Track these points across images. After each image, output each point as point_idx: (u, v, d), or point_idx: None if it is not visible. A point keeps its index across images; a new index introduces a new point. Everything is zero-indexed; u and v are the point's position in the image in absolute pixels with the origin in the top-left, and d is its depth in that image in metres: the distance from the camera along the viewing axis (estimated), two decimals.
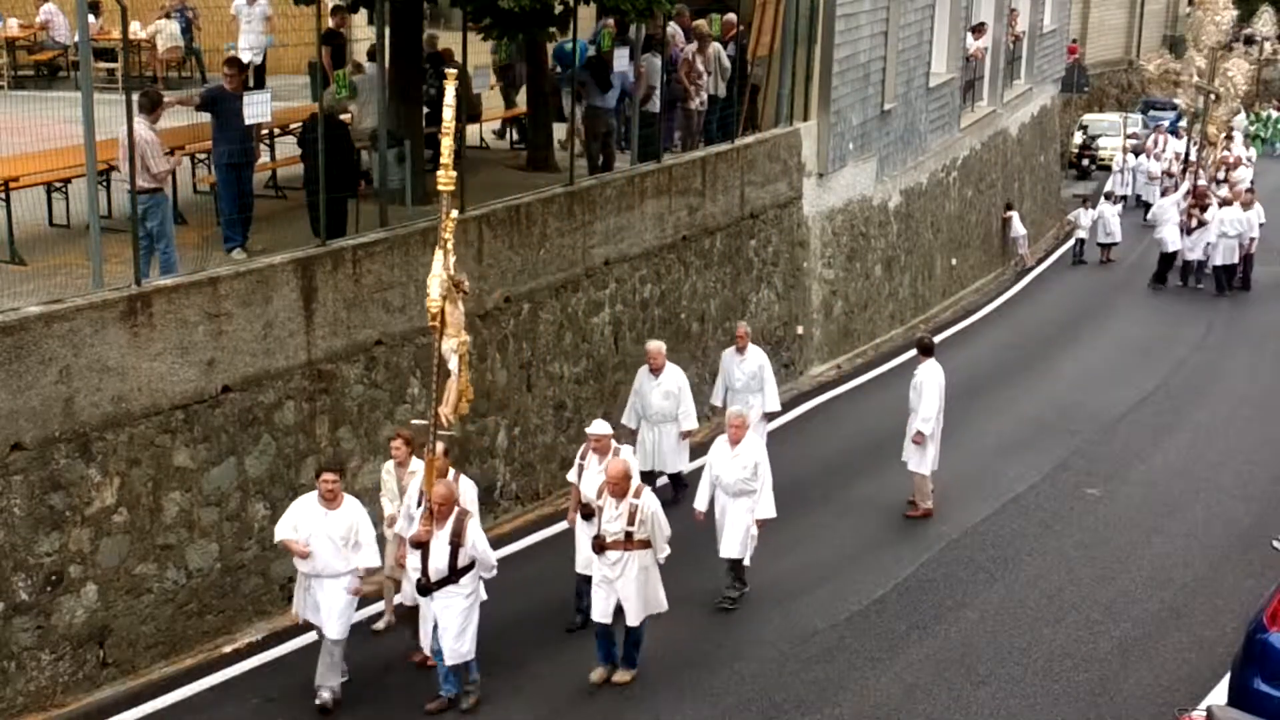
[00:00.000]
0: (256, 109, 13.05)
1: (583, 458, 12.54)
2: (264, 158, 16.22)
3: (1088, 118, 46.38)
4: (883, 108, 24.17)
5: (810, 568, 14.33)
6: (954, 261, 29.07)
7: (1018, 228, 32.22)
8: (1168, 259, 30.00)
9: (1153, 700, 11.80)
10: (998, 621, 13.26)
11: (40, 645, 10.73)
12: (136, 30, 20.81)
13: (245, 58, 17.23)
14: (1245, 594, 13.69)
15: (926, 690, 11.88)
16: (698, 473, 14.08)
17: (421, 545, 10.74)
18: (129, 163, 11.59)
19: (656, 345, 15.28)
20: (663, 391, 15.04)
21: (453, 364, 10.75)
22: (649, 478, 14.49)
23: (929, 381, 15.55)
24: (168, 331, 11.41)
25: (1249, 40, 38.86)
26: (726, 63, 19.57)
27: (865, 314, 24.38)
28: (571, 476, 12.69)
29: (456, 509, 10.75)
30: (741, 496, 12.86)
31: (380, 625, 12.40)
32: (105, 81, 18.36)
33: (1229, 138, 38.73)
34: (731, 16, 20.46)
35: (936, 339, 24.93)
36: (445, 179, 10.52)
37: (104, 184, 13.21)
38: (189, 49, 22.27)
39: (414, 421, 12.17)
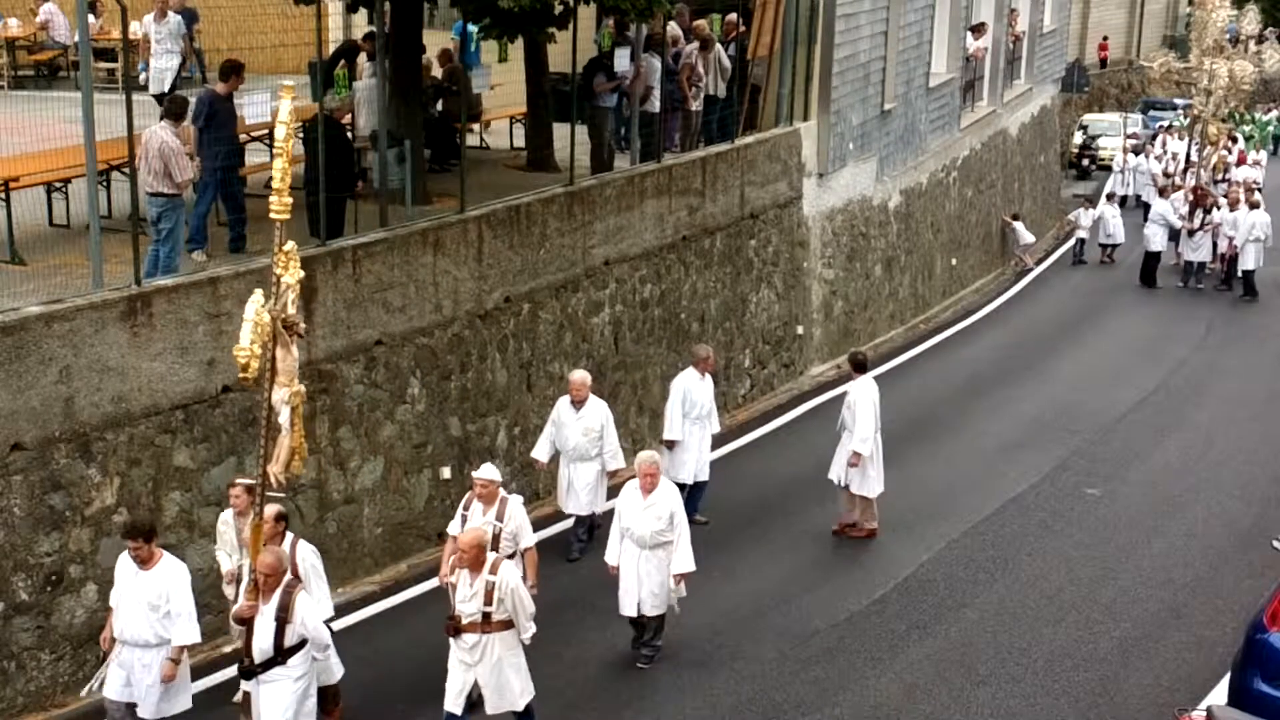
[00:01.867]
0: (256, 109, 13.06)
1: (465, 506, 11.30)
2: (264, 158, 16.25)
3: (1088, 118, 46.38)
4: (883, 108, 24.17)
5: (810, 568, 14.33)
6: (954, 261, 29.06)
7: (1025, 235, 32.27)
8: (1153, 258, 30.06)
9: (1153, 700, 11.80)
10: (998, 621, 13.26)
11: (40, 645, 10.73)
12: (136, 30, 20.79)
13: (154, 82, 16.60)
14: (1245, 594, 13.69)
15: (926, 690, 11.89)
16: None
17: (245, 622, 9.51)
18: (131, 161, 11.61)
19: (580, 376, 14.01)
20: (584, 427, 13.86)
21: (284, 416, 9.40)
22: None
23: (863, 399, 14.74)
24: (168, 331, 11.41)
25: (1233, 41, 38.88)
26: (727, 63, 19.58)
27: (865, 314, 24.38)
28: (452, 528, 11.29)
29: (285, 580, 9.48)
30: (657, 549, 11.71)
31: (238, 697, 10.30)
32: (105, 81, 18.37)
33: (1231, 138, 38.72)
34: (732, 16, 20.47)
35: (937, 339, 25.26)
36: (279, 206, 9.17)
37: (104, 184, 13.21)
38: (189, 49, 22.24)
39: (240, 480, 10.73)
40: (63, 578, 10.83)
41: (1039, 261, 33.25)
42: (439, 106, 17.91)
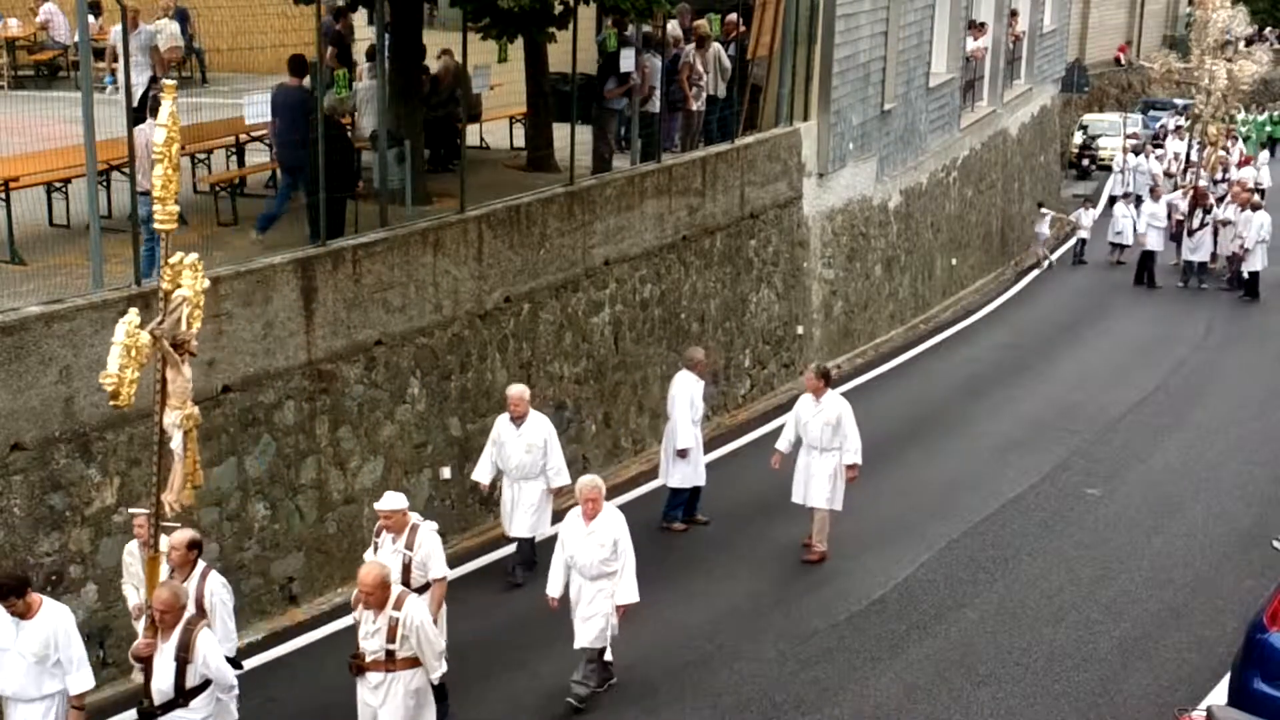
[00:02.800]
0: (256, 109, 13.07)
1: (377, 535, 10.81)
2: (263, 158, 16.25)
3: (1088, 118, 46.38)
4: (883, 108, 24.17)
5: (809, 568, 14.32)
6: (954, 261, 29.07)
7: (1044, 230, 32.44)
8: (1148, 258, 30.04)
9: (1153, 700, 11.80)
10: (998, 621, 13.26)
11: None
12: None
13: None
14: (1245, 594, 13.69)
15: (926, 690, 11.89)
16: None
17: (144, 660, 8.92)
18: (131, 162, 11.60)
19: (517, 390, 13.27)
20: (525, 444, 13.14)
21: (176, 441, 8.86)
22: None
23: (847, 413, 14.23)
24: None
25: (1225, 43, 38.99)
26: (727, 63, 19.57)
27: (865, 314, 24.38)
28: (367, 557, 10.80)
29: (186, 617, 8.84)
30: (600, 579, 11.16)
31: None
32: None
33: (1231, 138, 38.72)
34: (732, 16, 20.47)
35: (937, 339, 25.25)
36: (163, 215, 8.47)
37: (104, 184, 13.21)
38: (189, 49, 22.25)
39: (133, 510, 10.21)
40: (63, 578, 10.83)
41: (1036, 264, 33.26)
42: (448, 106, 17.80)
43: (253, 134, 15.56)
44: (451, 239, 14.28)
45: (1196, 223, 29.66)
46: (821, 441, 14.20)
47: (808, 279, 21.91)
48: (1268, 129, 49.65)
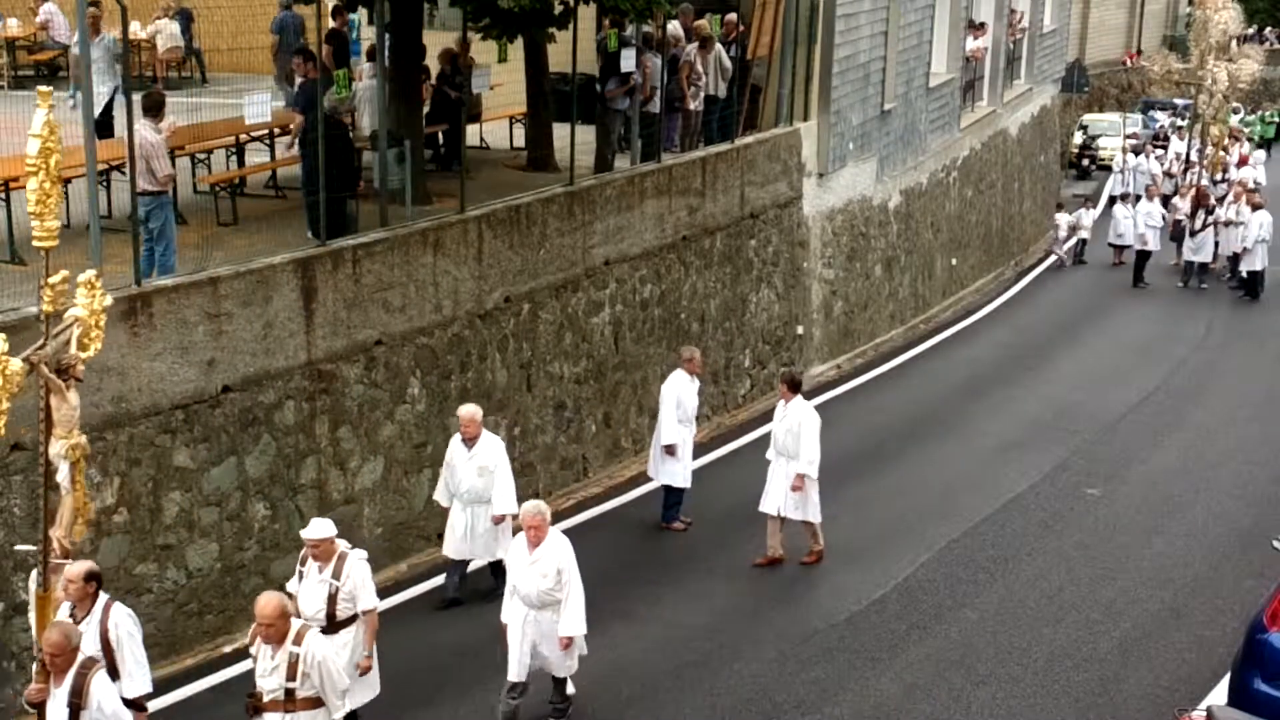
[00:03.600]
0: (256, 109, 13.07)
1: (302, 563, 10.21)
2: (263, 158, 16.27)
3: (1088, 118, 46.39)
4: (883, 108, 24.17)
5: (809, 568, 14.32)
6: (954, 261, 29.07)
7: (1062, 229, 32.63)
8: (1143, 258, 30.03)
9: (1153, 700, 11.81)
10: (998, 621, 13.26)
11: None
12: (136, 30, 20.80)
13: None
14: (1245, 594, 13.70)
15: (926, 690, 11.89)
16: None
17: (37, 707, 8.37)
18: (130, 163, 11.60)
19: (469, 411, 12.62)
20: (476, 466, 12.51)
21: (63, 474, 8.29)
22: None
23: (809, 421, 13.95)
24: (168, 331, 11.41)
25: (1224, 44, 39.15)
26: (727, 63, 19.58)
27: (865, 314, 24.38)
28: (291, 585, 10.27)
29: (80, 659, 8.26)
30: (547, 609, 10.65)
31: None
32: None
33: (1234, 138, 38.72)
34: (732, 16, 20.49)
35: (937, 339, 25.26)
36: (42, 232, 7.79)
37: (104, 184, 13.21)
38: (189, 49, 22.27)
39: (20, 547, 9.80)
40: None
41: (1039, 261, 33.28)
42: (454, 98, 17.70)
43: (253, 134, 15.57)
44: (451, 239, 14.29)
45: (1199, 224, 29.66)
46: (786, 449, 14.07)
47: (808, 279, 21.92)
48: (1258, 129, 49.73)
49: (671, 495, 15.21)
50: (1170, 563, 14.86)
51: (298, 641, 8.69)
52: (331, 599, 9.92)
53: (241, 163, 15.90)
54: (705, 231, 18.81)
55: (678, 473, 15.05)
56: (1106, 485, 17.27)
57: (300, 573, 10.15)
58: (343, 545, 10.05)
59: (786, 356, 21.26)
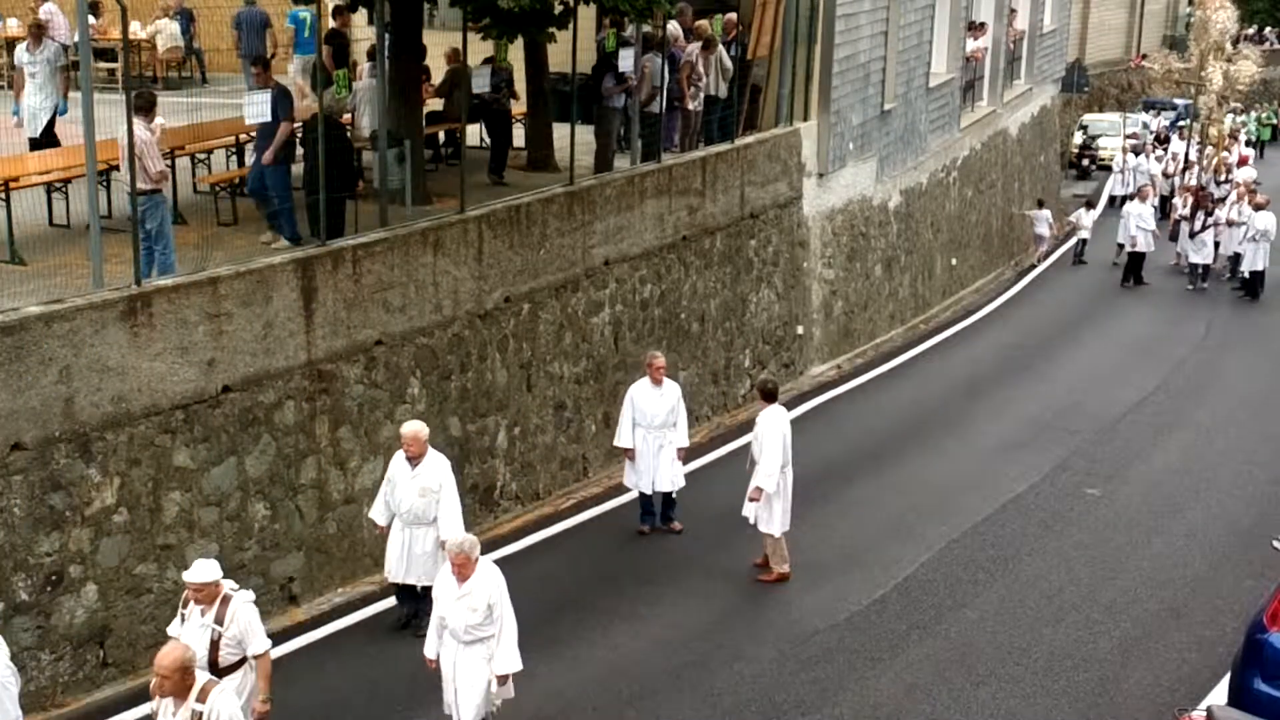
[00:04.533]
0: (256, 109, 13.06)
1: (184, 605, 9.61)
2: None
3: (1088, 118, 46.40)
4: (883, 108, 24.17)
5: (810, 568, 14.32)
6: (954, 261, 29.08)
7: (1040, 227, 32.48)
8: (1137, 259, 30.00)
9: (1153, 700, 11.81)
10: (998, 621, 13.26)
11: (40, 645, 10.73)
12: (136, 30, 20.83)
13: (28, 123, 14.53)
14: (1245, 594, 13.71)
15: (926, 690, 11.89)
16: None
17: None
18: (129, 163, 11.59)
19: (413, 429, 11.91)
20: (419, 486, 11.80)
21: None
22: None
23: (771, 432, 13.55)
24: (168, 331, 11.41)
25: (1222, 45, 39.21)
26: (728, 63, 19.59)
27: (865, 314, 24.39)
28: (172, 629, 9.73)
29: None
30: (476, 644, 10.11)
31: None
32: (105, 81, 18.38)
33: (1233, 138, 38.71)
34: (732, 16, 20.50)
35: (937, 339, 25.26)
36: None
37: (104, 184, 13.22)
38: (189, 49, 22.29)
39: None
40: (63, 578, 10.83)
41: (1045, 257, 33.25)
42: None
43: (252, 134, 15.57)
44: (451, 239, 14.29)
45: (1199, 224, 29.65)
46: (753, 458, 13.77)
47: (808, 279, 21.92)
48: (1253, 130, 49.75)
49: (666, 497, 14.96)
50: (1170, 563, 14.86)
51: (201, 698, 8.09)
52: (214, 645, 9.34)
53: (241, 163, 15.90)
54: (705, 231, 18.82)
55: (644, 479, 14.62)
56: (1106, 485, 17.27)
57: (182, 615, 9.54)
58: (227, 587, 9.47)
59: (786, 356, 21.27)
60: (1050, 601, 13.76)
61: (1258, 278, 28.78)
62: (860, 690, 11.84)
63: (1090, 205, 34.20)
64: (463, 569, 9.97)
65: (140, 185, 11.89)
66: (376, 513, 12.22)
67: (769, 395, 13.97)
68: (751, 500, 13.64)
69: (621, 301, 17.10)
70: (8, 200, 12.65)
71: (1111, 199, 35.62)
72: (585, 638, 12.57)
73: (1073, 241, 33.31)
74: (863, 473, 17.31)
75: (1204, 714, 9.64)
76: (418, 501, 11.82)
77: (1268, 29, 67.87)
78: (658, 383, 14.55)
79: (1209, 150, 33.81)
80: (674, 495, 15.05)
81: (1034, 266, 32.36)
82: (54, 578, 10.77)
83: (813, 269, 22.10)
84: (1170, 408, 20.92)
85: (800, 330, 21.66)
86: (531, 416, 15.68)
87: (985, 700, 11.74)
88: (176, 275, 11.93)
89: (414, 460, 11.86)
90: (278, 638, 12.23)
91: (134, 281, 11.34)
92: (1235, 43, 41.08)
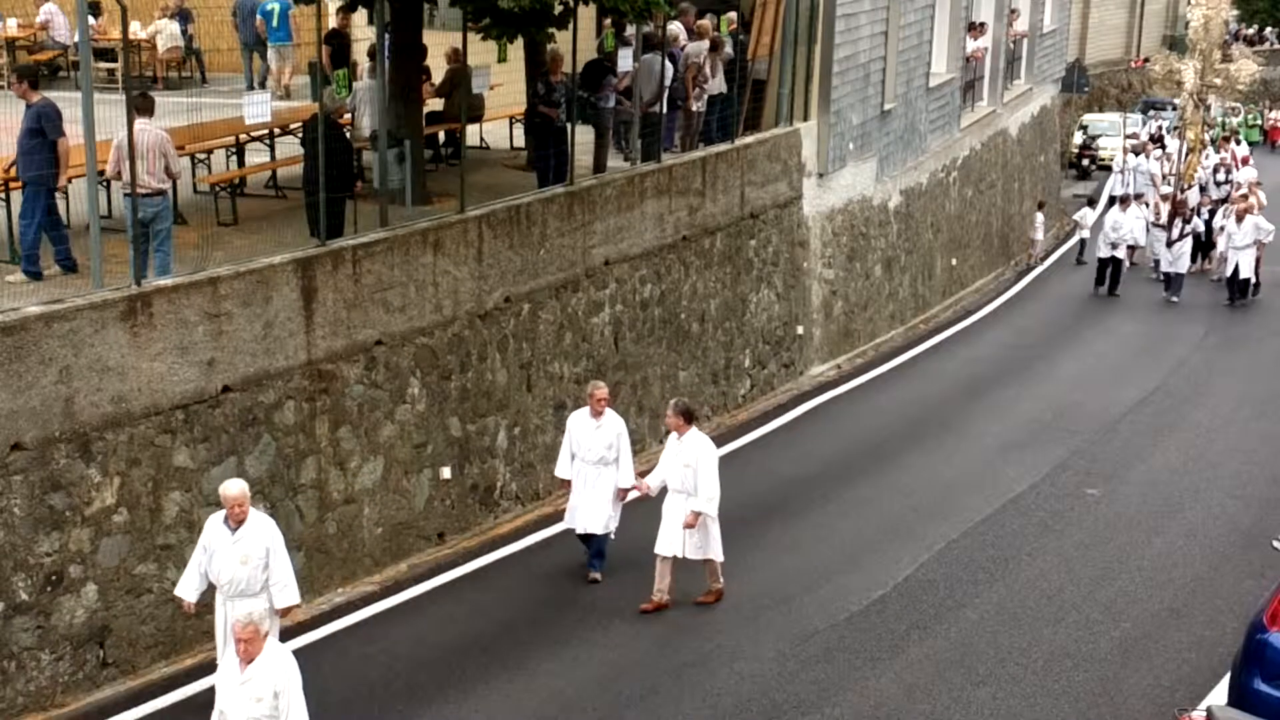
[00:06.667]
0: (256, 109, 13.06)
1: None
2: (263, 158, 16.27)
3: (1088, 118, 46.40)
4: (883, 108, 24.18)
5: (810, 568, 14.33)
6: (954, 261, 29.08)
7: (1037, 230, 32.47)
8: (1114, 266, 29.41)
9: (1153, 700, 11.80)
10: (998, 621, 13.26)
11: (40, 645, 10.73)
12: (136, 30, 20.82)
13: None
14: (1245, 594, 13.70)
15: (926, 690, 11.89)
16: None
17: None
18: (129, 163, 11.59)
19: (238, 488, 10.45)
20: (240, 554, 10.48)
21: None
22: None
23: (706, 455, 12.83)
24: (168, 331, 11.41)
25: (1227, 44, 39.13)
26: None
27: (865, 314, 24.39)
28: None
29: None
30: None
31: None
32: (105, 81, 18.38)
33: (1228, 139, 38.62)
34: (732, 15, 20.51)
35: (937, 339, 25.25)
36: None
37: (104, 184, 13.21)
38: (189, 49, 22.28)
39: None
40: (63, 578, 10.83)
41: (1041, 259, 33.25)
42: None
43: (253, 134, 15.57)
44: (451, 239, 14.29)
45: (1176, 233, 29.29)
46: (683, 485, 12.90)
47: (808, 279, 21.92)
48: (1241, 132, 49.68)
49: (587, 541, 13.73)
50: (1170, 563, 14.86)
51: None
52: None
53: (241, 163, 15.91)
54: (705, 231, 18.82)
55: (577, 515, 13.60)
56: (1106, 485, 17.26)
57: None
58: None
59: (786, 357, 21.27)
60: (1050, 601, 13.76)
61: (1241, 283, 28.36)
62: (860, 690, 11.83)
63: (1092, 204, 34.18)
64: (248, 645, 8.77)
65: (158, 185, 11.96)
66: (184, 587, 10.62)
67: (690, 417, 13.06)
68: (688, 526, 12.77)
69: (622, 301, 17.10)
70: (8, 200, 12.65)
71: (1111, 199, 35.55)
72: (586, 637, 12.57)
73: (1073, 241, 33.27)
74: (863, 473, 17.31)
75: (1204, 714, 9.63)
76: (239, 571, 10.40)
77: (1268, 29, 67.87)
78: (597, 414, 13.37)
79: (1190, 157, 33.42)
80: (609, 538, 13.65)
81: (1031, 268, 32.36)
82: (54, 578, 10.77)
83: (813, 269, 22.10)
84: (1170, 408, 20.92)
85: (800, 330, 21.67)
86: (531, 416, 15.68)
87: (985, 700, 11.74)
88: (176, 275, 11.93)
89: (236, 524, 10.40)
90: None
91: (134, 281, 11.34)
92: (1229, 44, 41.08)
